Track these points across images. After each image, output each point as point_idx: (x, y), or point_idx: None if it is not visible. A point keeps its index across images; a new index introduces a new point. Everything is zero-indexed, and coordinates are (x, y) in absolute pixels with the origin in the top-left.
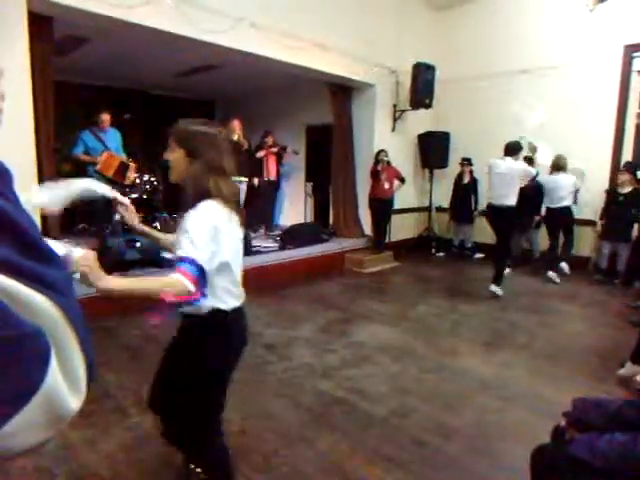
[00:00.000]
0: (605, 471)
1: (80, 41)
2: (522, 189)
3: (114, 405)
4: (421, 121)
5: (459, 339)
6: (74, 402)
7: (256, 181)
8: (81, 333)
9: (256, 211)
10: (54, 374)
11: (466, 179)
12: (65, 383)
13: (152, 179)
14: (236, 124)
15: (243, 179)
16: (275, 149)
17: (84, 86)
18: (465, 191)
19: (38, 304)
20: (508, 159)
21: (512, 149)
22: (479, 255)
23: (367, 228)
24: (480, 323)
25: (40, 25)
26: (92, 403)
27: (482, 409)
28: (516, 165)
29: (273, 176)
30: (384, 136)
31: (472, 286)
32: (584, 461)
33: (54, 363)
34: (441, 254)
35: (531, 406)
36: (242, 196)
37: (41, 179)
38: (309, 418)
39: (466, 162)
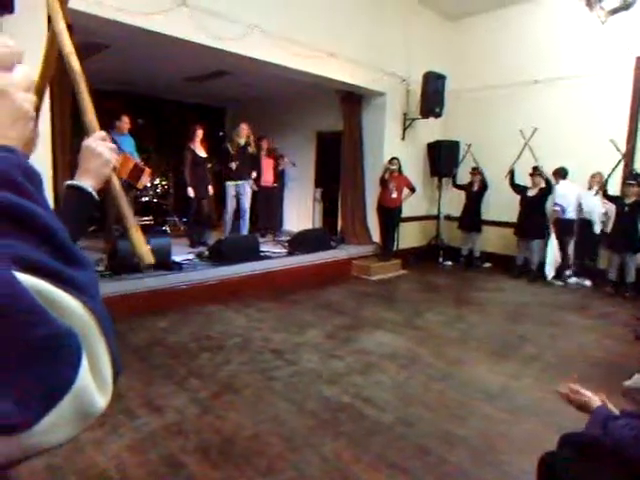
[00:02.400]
0: (613, 455)
1: (96, 48)
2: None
3: (123, 406)
4: (431, 130)
5: (466, 348)
6: (102, 400)
7: (255, 187)
8: (109, 334)
9: (262, 216)
10: (85, 373)
11: (475, 187)
12: (94, 382)
13: (163, 183)
14: (244, 128)
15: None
16: (270, 154)
17: (99, 91)
18: (474, 199)
19: (69, 305)
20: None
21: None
22: (487, 264)
23: (375, 235)
24: (488, 333)
25: None
26: None
27: (488, 419)
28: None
29: (270, 182)
30: (394, 144)
31: (480, 295)
32: (596, 439)
33: (85, 362)
34: (449, 263)
35: (538, 418)
36: (248, 200)
37: (56, 182)
38: (315, 423)
39: (475, 170)
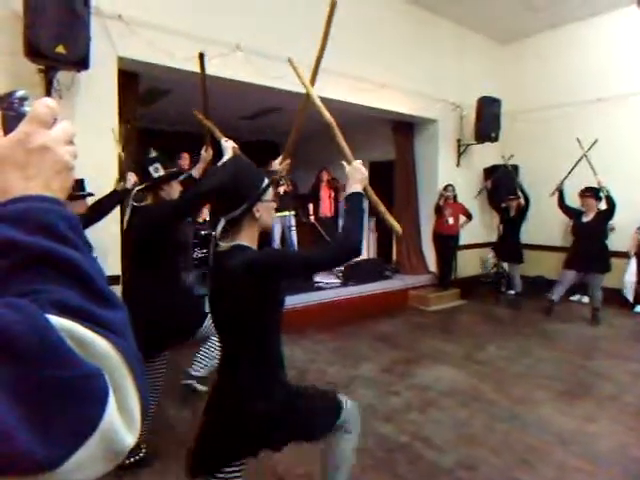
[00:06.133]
0: None
1: (161, 93)
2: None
3: (174, 436)
4: (487, 155)
5: (534, 386)
6: (129, 438)
7: (312, 218)
8: (137, 373)
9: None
10: (111, 413)
11: (512, 212)
12: (121, 421)
13: None
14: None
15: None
16: (330, 185)
17: (164, 132)
18: (512, 226)
19: (99, 346)
20: None
21: None
22: (512, 292)
23: (432, 264)
24: (558, 369)
25: (127, 81)
26: (154, 434)
27: (562, 467)
28: None
29: (329, 212)
30: (448, 171)
31: (548, 327)
32: None
33: (112, 402)
34: (512, 292)
35: (620, 467)
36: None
37: (123, 212)
38: (370, 463)
39: (513, 197)
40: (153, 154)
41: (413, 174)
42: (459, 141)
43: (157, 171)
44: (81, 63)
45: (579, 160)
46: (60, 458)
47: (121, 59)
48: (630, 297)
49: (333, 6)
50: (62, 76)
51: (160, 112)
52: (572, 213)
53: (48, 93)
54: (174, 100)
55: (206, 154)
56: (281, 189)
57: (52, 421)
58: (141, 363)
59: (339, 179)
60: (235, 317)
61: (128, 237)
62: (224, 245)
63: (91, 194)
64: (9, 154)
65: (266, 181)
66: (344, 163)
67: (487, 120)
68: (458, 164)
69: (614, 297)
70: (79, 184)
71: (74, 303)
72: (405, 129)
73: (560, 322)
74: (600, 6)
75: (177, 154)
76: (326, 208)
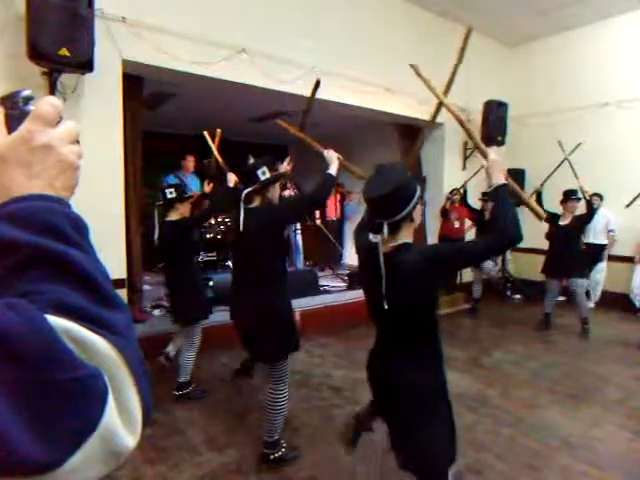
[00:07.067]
0: None
1: (166, 96)
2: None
3: (184, 441)
4: None
5: (539, 390)
6: (130, 440)
7: (318, 221)
8: (138, 375)
9: (322, 250)
10: (111, 414)
11: (487, 216)
12: (121, 422)
13: (226, 220)
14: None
15: None
16: (336, 188)
17: (169, 135)
18: (484, 229)
19: (98, 346)
20: None
21: None
22: (562, 298)
23: None
24: (563, 374)
25: (132, 84)
26: (164, 438)
27: (567, 471)
28: None
29: (334, 215)
30: (454, 175)
31: (554, 332)
32: None
33: (111, 403)
34: (517, 296)
35: (626, 472)
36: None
37: (128, 216)
38: None
39: (486, 197)
40: (252, 160)
41: (419, 178)
42: (465, 145)
43: (264, 174)
44: (85, 66)
45: (560, 163)
46: (59, 459)
47: (125, 62)
48: (638, 303)
49: (469, 32)
50: (66, 79)
51: (165, 115)
52: (549, 217)
53: (52, 95)
54: (179, 103)
55: (288, 167)
56: (286, 192)
57: (51, 422)
58: (143, 364)
59: (343, 184)
60: (412, 308)
61: (245, 238)
62: (390, 245)
63: (192, 196)
64: (12, 152)
65: (419, 188)
66: (482, 160)
67: (494, 124)
68: (464, 168)
69: (620, 302)
70: (181, 188)
71: (74, 303)
72: (411, 133)
73: (565, 327)
74: (609, 9)
75: (182, 157)
76: (332, 211)
